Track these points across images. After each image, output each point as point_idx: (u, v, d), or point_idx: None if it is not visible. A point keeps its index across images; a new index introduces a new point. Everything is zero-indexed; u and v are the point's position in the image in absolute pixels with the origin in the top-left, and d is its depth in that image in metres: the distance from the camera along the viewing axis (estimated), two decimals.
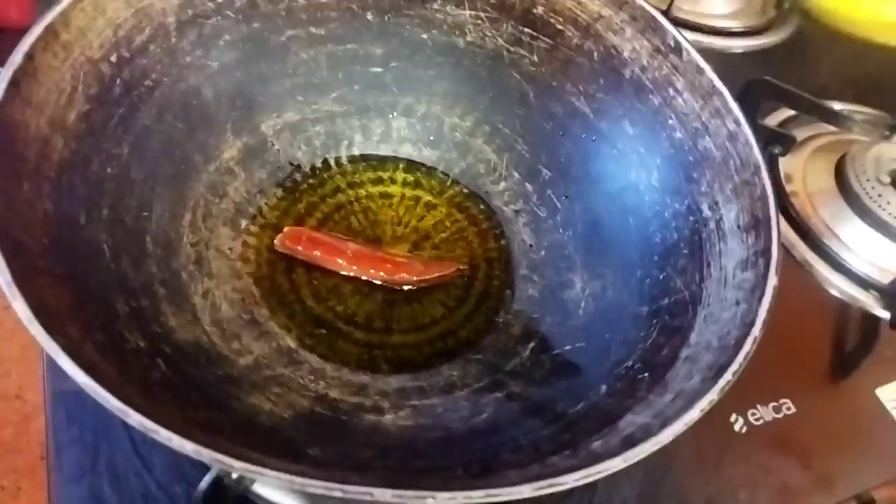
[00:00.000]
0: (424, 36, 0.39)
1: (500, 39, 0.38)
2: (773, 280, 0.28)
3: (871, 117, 0.56)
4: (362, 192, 0.39)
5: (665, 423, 0.24)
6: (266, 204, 0.37)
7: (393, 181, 0.40)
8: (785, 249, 0.46)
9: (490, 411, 0.30)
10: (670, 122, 0.35)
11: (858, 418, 0.40)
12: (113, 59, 0.31)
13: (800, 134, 0.52)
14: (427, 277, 0.36)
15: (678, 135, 0.34)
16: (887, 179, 0.47)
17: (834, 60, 0.62)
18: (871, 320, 0.44)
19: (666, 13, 0.36)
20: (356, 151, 0.40)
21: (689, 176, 0.34)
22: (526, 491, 0.21)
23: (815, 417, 0.39)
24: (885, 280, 0.44)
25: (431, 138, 0.41)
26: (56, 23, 0.28)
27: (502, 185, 0.40)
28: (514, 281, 0.37)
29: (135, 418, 0.20)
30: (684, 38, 0.34)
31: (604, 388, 0.29)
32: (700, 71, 0.34)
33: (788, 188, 0.50)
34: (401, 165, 0.40)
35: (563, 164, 0.39)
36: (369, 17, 0.38)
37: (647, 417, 0.25)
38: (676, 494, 0.35)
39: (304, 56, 0.37)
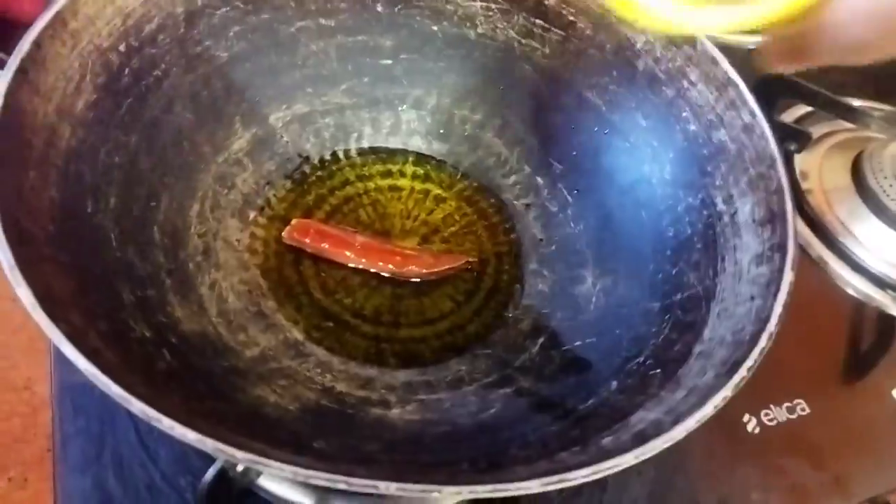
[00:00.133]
0: (435, 28, 0.38)
1: (511, 31, 0.38)
2: (789, 275, 0.27)
3: (889, 114, 0.55)
4: (371, 184, 0.39)
5: (677, 420, 0.23)
6: (274, 196, 0.36)
7: (402, 174, 0.39)
8: (800, 247, 0.45)
9: (498, 407, 0.30)
10: (684, 114, 0.34)
11: (874, 420, 0.39)
12: (122, 48, 0.31)
13: (816, 131, 0.52)
14: (436, 270, 0.36)
15: (692, 127, 0.34)
16: None
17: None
18: (887, 320, 0.43)
19: None
20: (365, 144, 0.40)
21: (703, 169, 0.33)
22: (534, 486, 0.20)
23: (830, 418, 0.38)
24: None
25: (441, 131, 0.40)
26: (65, 10, 0.28)
27: (513, 178, 0.39)
28: (524, 275, 0.37)
29: (137, 406, 0.20)
30: None
31: (614, 384, 0.28)
32: (714, 62, 0.33)
33: (804, 185, 0.49)
34: (410, 158, 0.40)
35: (575, 158, 0.38)
36: (379, 8, 0.38)
37: (659, 414, 0.24)
38: (688, 494, 0.34)
39: (313, 47, 0.37)
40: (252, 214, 0.35)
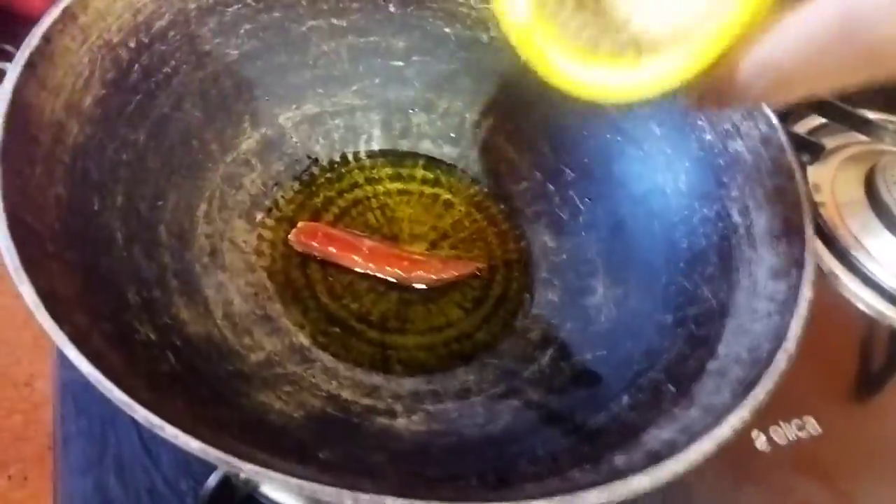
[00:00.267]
0: (447, 30, 0.38)
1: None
2: (807, 292, 0.27)
3: None
4: (380, 188, 0.38)
5: (692, 439, 0.22)
6: (282, 197, 0.36)
7: (412, 178, 0.39)
8: None
9: (506, 419, 0.29)
10: (699, 122, 0.33)
11: (886, 439, 0.38)
12: (131, 44, 0.30)
13: (829, 143, 0.51)
14: (444, 276, 0.35)
15: (708, 136, 0.33)
16: None
17: None
18: None
19: None
20: (375, 146, 0.39)
21: (718, 180, 0.32)
22: None
23: (841, 437, 0.38)
24: None
25: (452, 135, 0.40)
26: (74, 5, 0.28)
27: (523, 184, 0.39)
28: (533, 284, 0.36)
29: (140, 413, 0.19)
30: None
31: (626, 399, 0.28)
32: None
33: (816, 198, 0.48)
34: (420, 162, 0.39)
35: (587, 165, 0.38)
36: (392, 8, 0.37)
37: (673, 433, 0.24)
38: None
39: (324, 47, 0.37)
40: (259, 216, 0.35)
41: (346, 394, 0.30)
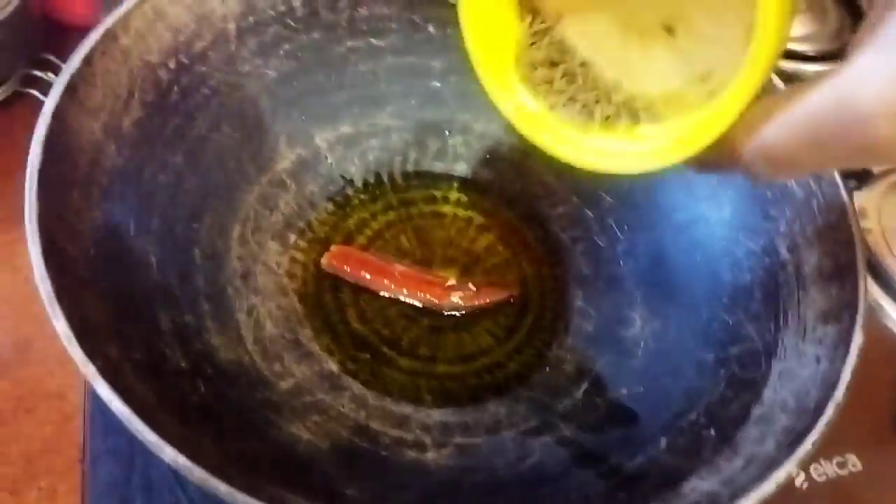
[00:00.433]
0: None
1: None
2: (858, 338, 0.25)
3: None
4: (414, 210, 0.38)
5: (736, 495, 0.21)
6: (316, 218, 0.36)
7: (446, 200, 0.38)
8: None
9: (538, 456, 0.28)
10: None
11: None
12: (171, 65, 0.30)
13: (876, 167, 0.49)
14: (477, 303, 0.35)
15: None
16: None
17: None
18: None
19: None
20: (410, 168, 0.39)
21: (766, 213, 0.31)
22: None
23: (883, 476, 0.36)
24: None
25: (488, 157, 0.39)
26: (116, 27, 0.28)
27: (560, 209, 0.38)
28: (568, 313, 0.35)
29: (169, 454, 0.19)
30: None
31: (664, 442, 0.27)
32: None
33: (863, 224, 0.47)
34: (455, 184, 0.39)
35: (627, 191, 0.37)
36: (431, 29, 0.37)
37: (715, 485, 0.23)
38: None
39: (362, 68, 0.36)
40: (292, 238, 0.35)
41: (374, 424, 0.29)
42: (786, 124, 0.18)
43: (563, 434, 0.30)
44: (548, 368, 0.33)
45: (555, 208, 0.38)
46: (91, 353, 0.20)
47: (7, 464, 0.32)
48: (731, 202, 0.33)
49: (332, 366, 0.31)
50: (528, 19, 0.26)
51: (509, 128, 0.39)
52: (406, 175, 0.38)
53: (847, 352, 0.25)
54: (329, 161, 0.37)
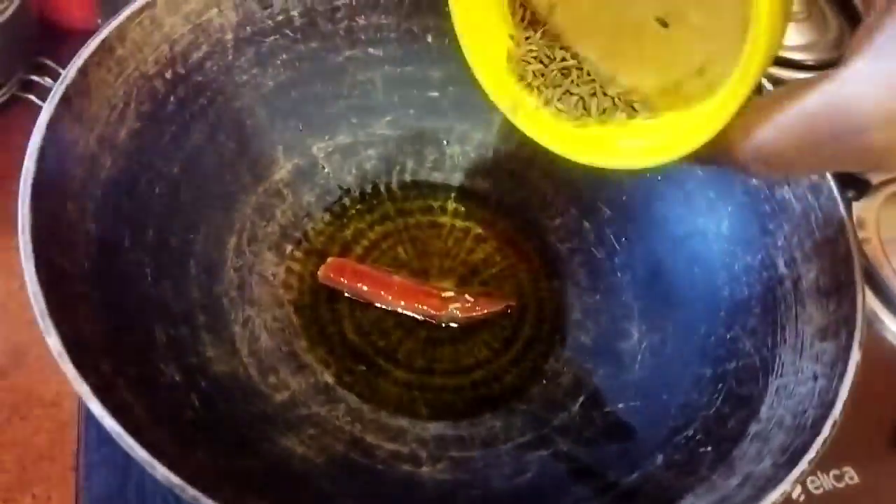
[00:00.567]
0: None
1: None
2: (856, 355, 0.25)
3: None
4: (411, 220, 0.37)
5: None
6: (312, 229, 0.36)
7: (443, 210, 0.38)
8: None
9: (534, 470, 0.28)
10: None
11: None
12: (168, 75, 0.30)
13: (875, 177, 0.49)
14: (474, 315, 0.34)
15: (754, 181, 0.32)
16: None
17: None
18: None
19: None
20: (407, 178, 0.38)
21: (764, 227, 0.31)
22: None
23: (880, 489, 0.36)
24: None
25: (486, 167, 0.39)
26: (112, 37, 0.27)
27: (558, 220, 0.38)
28: (565, 326, 0.35)
29: (161, 472, 0.19)
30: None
31: (660, 458, 0.27)
32: None
33: (861, 234, 0.47)
34: (452, 194, 0.39)
35: (625, 203, 0.37)
36: (429, 39, 0.37)
37: (711, 503, 0.23)
38: None
39: (360, 77, 0.36)
40: (289, 248, 0.34)
41: (369, 437, 0.29)
42: (780, 128, 0.18)
43: (560, 448, 0.29)
44: (544, 381, 0.33)
45: (553, 219, 0.38)
46: (84, 368, 0.20)
47: (1, 471, 0.32)
48: (729, 216, 0.33)
49: (328, 378, 0.31)
50: (520, 13, 0.25)
51: (507, 137, 0.39)
52: (403, 185, 0.38)
53: (845, 369, 0.25)
54: (326, 171, 0.37)
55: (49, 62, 0.41)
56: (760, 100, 0.19)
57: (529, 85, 0.25)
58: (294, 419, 0.28)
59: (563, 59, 0.25)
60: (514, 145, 0.39)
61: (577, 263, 0.37)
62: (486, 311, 0.35)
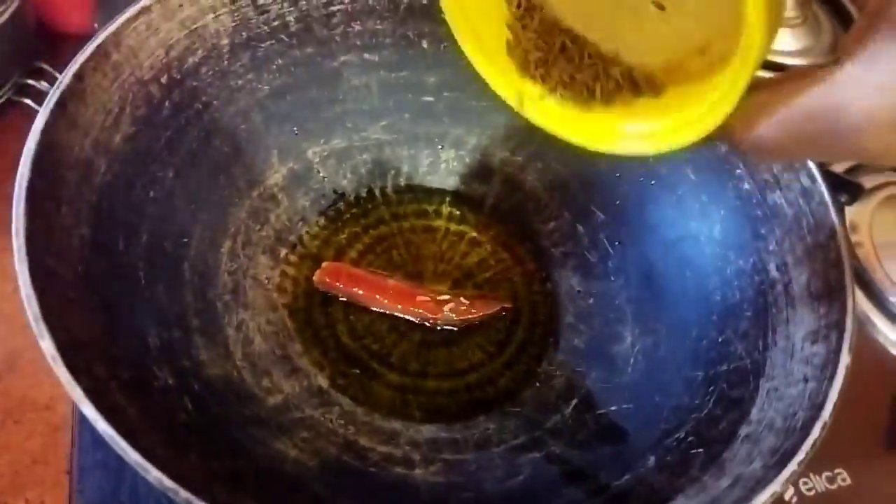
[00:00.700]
0: None
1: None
2: (845, 358, 0.26)
3: None
4: (406, 224, 0.38)
5: None
6: (307, 233, 0.36)
7: (438, 214, 0.38)
8: None
9: (527, 473, 0.28)
10: (738, 171, 0.32)
11: None
12: (163, 80, 0.30)
13: (868, 182, 0.49)
14: (469, 317, 0.35)
15: (746, 186, 0.32)
16: None
17: None
18: None
19: None
20: (402, 182, 0.39)
21: (755, 231, 0.31)
22: None
23: (872, 490, 0.36)
24: None
25: (480, 172, 0.39)
26: (107, 43, 0.28)
27: (552, 224, 0.38)
28: (559, 329, 0.35)
29: (153, 475, 0.19)
30: None
31: (652, 460, 0.27)
32: None
33: (853, 238, 0.47)
34: (447, 198, 0.39)
35: (618, 207, 0.37)
36: (425, 45, 0.37)
37: None
38: None
39: (355, 82, 0.36)
40: (283, 252, 0.35)
41: (363, 440, 0.29)
42: (779, 122, 0.19)
43: (552, 451, 0.30)
44: (538, 384, 0.33)
45: (546, 223, 0.38)
46: (77, 372, 0.20)
47: None
48: (721, 220, 0.33)
49: (322, 381, 0.31)
50: (516, 0, 0.25)
51: (502, 141, 0.39)
52: (398, 189, 0.39)
53: (834, 372, 0.25)
54: (321, 175, 0.37)
55: (46, 66, 0.41)
56: (759, 93, 0.19)
57: (532, 74, 0.25)
58: (287, 422, 0.28)
59: (564, 44, 0.25)
60: (509, 150, 0.39)
61: (571, 267, 0.37)
62: (481, 314, 0.35)
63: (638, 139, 0.24)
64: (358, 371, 0.32)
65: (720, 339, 0.30)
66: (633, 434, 0.29)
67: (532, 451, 0.30)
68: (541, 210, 0.38)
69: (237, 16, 0.32)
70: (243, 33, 0.33)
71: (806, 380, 0.26)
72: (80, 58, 0.27)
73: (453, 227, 0.38)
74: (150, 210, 0.29)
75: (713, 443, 0.26)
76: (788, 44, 0.60)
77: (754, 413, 0.26)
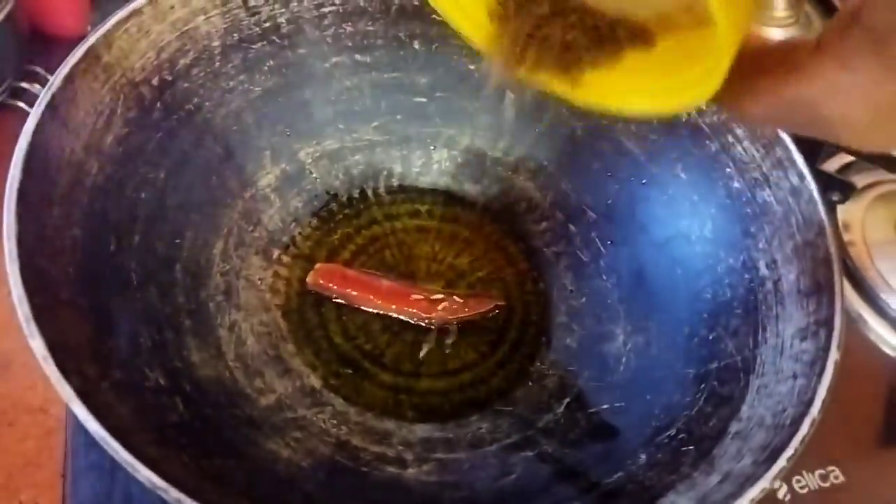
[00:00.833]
0: (472, 66, 0.37)
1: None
2: (834, 355, 0.26)
3: None
4: (398, 224, 0.38)
5: None
6: (300, 234, 0.36)
7: (430, 215, 0.38)
8: None
9: (519, 472, 0.29)
10: (728, 170, 0.33)
11: None
12: (154, 81, 0.30)
13: (860, 181, 0.50)
14: (462, 316, 0.35)
15: (735, 184, 0.32)
16: None
17: None
18: None
19: None
20: (395, 182, 0.39)
21: (745, 230, 0.32)
22: None
23: (866, 488, 0.36)
24: None
25: (473, 172, 0.39)
26: (98, 45, 0.28)
27: (544, 224, 0.38)
28: (551, 328, 0.35)
29: (144, 474, 0.19)
30: None
31: (643, 457, 0.27)
32: None
33: (846, 237, 0.47)
34: (440, 199, 0.39)
35: (610, 207, 0.37)
36: (416, 45, 0.37)
37: (691, 501, 0.23)
38: None
39: (347, 83, 0.36)
40: (276, 253, 0.35)
41: (355, 440, 0.29)
42: (764, 104, 0.19)
43: (545, 449, 0.30)
44: (530, 383, 0.33)
45: (539, 223, 0.38)
46: (68, 372, 0.20)
47: None
48: (711, 218, 0.33)
49: (315, 381, 0.31)
50: None
51: (493, 141, 0.39)
52: (391, 189, 0.39)
53: (823, 369, 0.25)
54: (313, 176, 0.37)
55: (39, 69, 0.41)
56: (748, 76, 0.19)
57: (522, 51, 0.25)
58: (280, 422, 0.28)
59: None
60: (501, 150, 0.39)
61: (563, 267, 0.37)
62: (475, 312, 0.35)
63: (632, 95, 0.23)
64: (351, 371, 0.32)
65: (711, 337, 0.31)
66: (624, 432, 0.30)
67: (524, 450, 0.30)
68: (533, 210, 0.39)
69: (228, 17, 0.32)
70: (235, 35, 0.33)
71: (795, 376, 0.26)
72: (71, 60, 0.27)
73: (446, 227, 0.38)
74: (142, 211, 0.29)
75: (704, 440, 0.26)
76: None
77: (744, 410, 0.27)
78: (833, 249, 0.28)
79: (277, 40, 0.34)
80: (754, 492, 0.22)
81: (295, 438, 0.28)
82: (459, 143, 0.39)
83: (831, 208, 0.48)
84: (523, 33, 0.24)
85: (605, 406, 0.31)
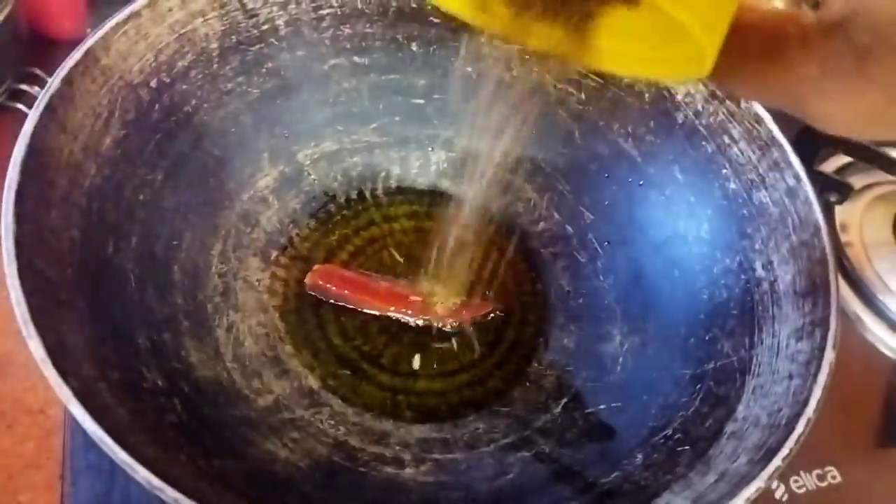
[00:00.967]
0: (470, 69, 0.37)
1: (547, 75, 0.37)
2: (829, 355, 0.26)
3: None
4: (396, 226, 0.38)
5: None
6: (298, 235, 0.36)
7: (428, 216, 0.39)
8: None
9: (516, 472, 0.29)
10: (724, 171, 0.33)
11: None
12: (153, 84, 0.30)
13: (857, 182, 0.50)
14: (461, 318, 0.35)
15: (732, 185, 0.32)
16: None
17: None
18: None
19: None
20: (393, 184, 0.39)
21: (742, 231, 0.32)
22: None
23: (863, 488, 0.36)
24: None
25: (471, 173, 0.39)
26: (96, 47, 0.28)
27: (541, 225, 0.38)
28: (548, 329, 0.35)
29: (141, 474, 0.19)
30: None
31: (640, 457, 0.27)
32: (758, 120, 0.32)
33: (843, 238, 0.47)
34: (437, 200, 0.39)
35: (607, 208, 0.37)
36: (414, 48, 0.37)
37: (687, 501, 0.23)
38: None
39: (345, 85, 0.37)
40: (274, 254, 0.35)
41: (353, 441, 0.29)
42: (752, 90, 0.20)
43: (542, 449, 0.30)
44: (528, 384, 0.33)
45: (536, 224, 0.39)
46: (66, 373, 0.20)
47: None
48: (708, 219, 0.33)
49: (312, 382, 0.31)
50: None
51: (492, 143, 0.39)
52: (389, 191, 0.39)
53: (819, 369, 0.26)
54: (312, 177, 0.37)
55: (39, 72, 0.41)
56: (734, 48, 0.19)
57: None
58: (277, 423, 0.28)
59: None
60: (498, 152, 0.39)
61: (561, 268, 0.37)
62: (472, 315, 0.35)
63: (629, 60, 0.23)
64: (348, 372, 0.32)
65: (707, 338, 0.31)
66: (621, 432, 0.30)
67: (521, 450, 0.30)
68: (531, 211, 0.39)
69: (226, 20, 0.32)
70: (233, 37, 0.33)
71: (791, 377, 0.26)
72: (69, 62, 0.27)
73: (443, 228, 0.38)
74: (140, 213, 0.29)
75: (700, 440, 0.26)
76: None
77: (740, 410, 0.27)
78: (829, 250, 0.28)
79: (275, 42, 0.34)
80: (749, 491, 0.22)
81: (293, 439, 0.28)
82: (457, 144, 0.39)
83: (827, 209, 0.48)
84: None
85: (601, 406, 0.31)
